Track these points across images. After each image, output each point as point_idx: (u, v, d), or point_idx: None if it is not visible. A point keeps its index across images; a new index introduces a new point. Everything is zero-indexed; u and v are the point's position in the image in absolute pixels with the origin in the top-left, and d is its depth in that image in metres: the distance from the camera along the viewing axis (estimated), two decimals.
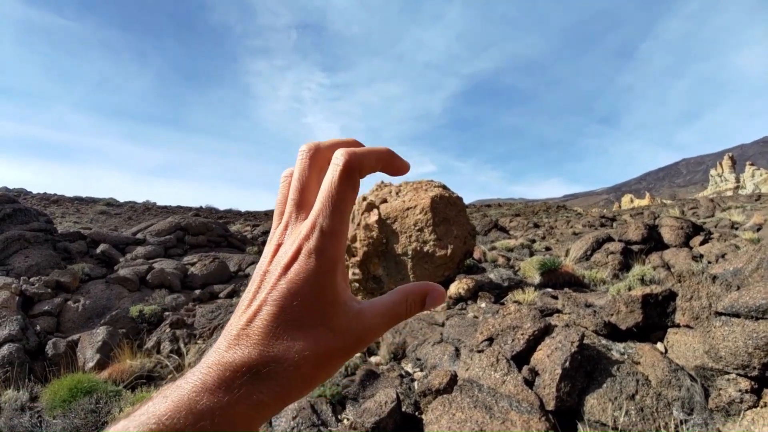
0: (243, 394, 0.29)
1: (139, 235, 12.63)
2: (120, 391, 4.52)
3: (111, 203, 32.46)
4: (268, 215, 42.32)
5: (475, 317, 5.73)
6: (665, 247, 9.94)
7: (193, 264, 10.77)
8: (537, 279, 8.07)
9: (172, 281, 9.39)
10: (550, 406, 3.02)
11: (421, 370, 4.74)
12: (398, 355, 5.21)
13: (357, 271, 7.53)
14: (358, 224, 7.41)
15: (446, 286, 7.08)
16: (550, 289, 7.05)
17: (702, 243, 9.50)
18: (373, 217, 7.35)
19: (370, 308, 0.35)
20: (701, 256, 8.27)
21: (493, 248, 13.18)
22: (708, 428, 2.65)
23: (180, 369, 5.55)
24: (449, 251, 6.96)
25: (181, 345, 6.30)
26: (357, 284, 7.67)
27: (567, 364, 3.09)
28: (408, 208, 7.27)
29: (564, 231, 19.87)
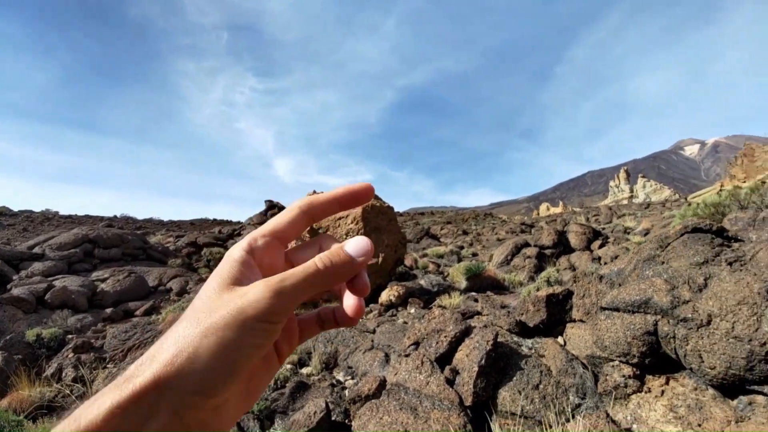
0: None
1: (37, 249, 11.15)
2: (21, 421, 4.09)
3: (3, 212, 28.12)
4: (194, 225, 39.59)
5: (405, 323, 5.95)
6: (572, 250, 11.14)
7: (103, 280, 9.76)
8: (464, 284, 8.58)
9: (76, 300, 8.42)
10: (468, 401, 3.27)
11: (353, 378, 4.80)
12: (330, 364, 5.22)
13: None
14: None
15: (378, 294, 7.24)
16: (474, 293, 7.55)
17: (600, 246, 10.81)
18: None
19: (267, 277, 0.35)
20: (599, 258, 9.41)
21: (425, 255, 13.70)
22: (598, 410, 3.07)
23: (85, 398, 5.03)
24: (380, 259, 7.15)
25: (87, 371, 5.69)
26: None
27: (483, 361, 3.37)
28: (340, 218, 7.34)
29: (489, 237, 21.28)
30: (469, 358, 3.57)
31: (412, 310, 6.57)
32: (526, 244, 11.37)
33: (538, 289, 5.16)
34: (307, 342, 5.55)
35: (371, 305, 6.99)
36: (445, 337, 3.98)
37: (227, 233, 22.04)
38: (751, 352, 2.44)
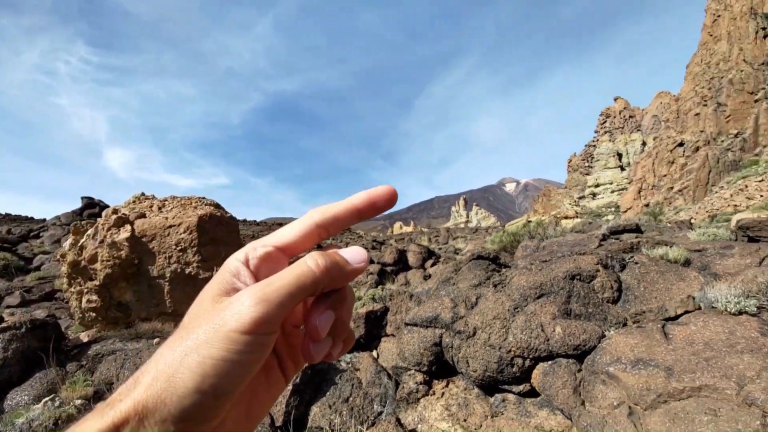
0: None
1: None
2: None
3: None
4: None
5: None
6: (410, 268, 12.37)
7: None
8: None
9: None
10: (279, 422, 3.27)
11: None
12: None
13: (94, 297, 6.24)
14: (101, 242, 6.21)
15: None
16: None
17: (432, 265, 12.30)
18: (124, 233, 6.31)
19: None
20: (430, 275, 10.70)
21: None
22: (394, 415, 3.43)
23: None
24: (215, 273, 6.65)
25: None
26: (94, 314, 6.34)
27: (297, 380, 3.44)
28: (171, 226, 6.59)
29: None
30: None
31: None
32: (371, 261, 12.14)
33: (363, 305, 5.55)
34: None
35: None
36: None
37: (20, 234, 17.39)
38: (500, 358, 3.12)
